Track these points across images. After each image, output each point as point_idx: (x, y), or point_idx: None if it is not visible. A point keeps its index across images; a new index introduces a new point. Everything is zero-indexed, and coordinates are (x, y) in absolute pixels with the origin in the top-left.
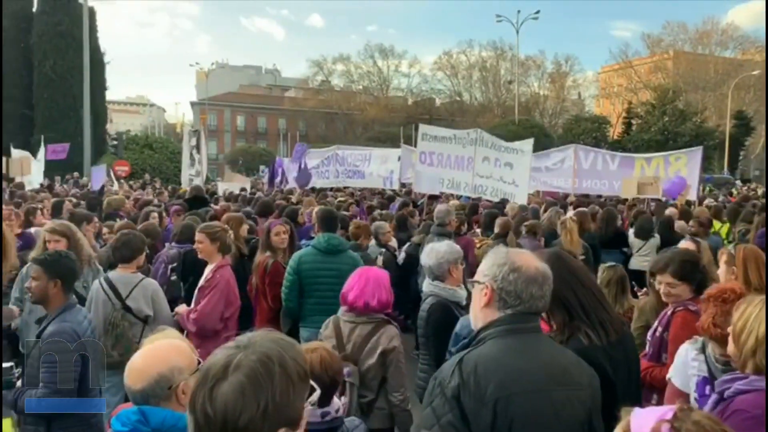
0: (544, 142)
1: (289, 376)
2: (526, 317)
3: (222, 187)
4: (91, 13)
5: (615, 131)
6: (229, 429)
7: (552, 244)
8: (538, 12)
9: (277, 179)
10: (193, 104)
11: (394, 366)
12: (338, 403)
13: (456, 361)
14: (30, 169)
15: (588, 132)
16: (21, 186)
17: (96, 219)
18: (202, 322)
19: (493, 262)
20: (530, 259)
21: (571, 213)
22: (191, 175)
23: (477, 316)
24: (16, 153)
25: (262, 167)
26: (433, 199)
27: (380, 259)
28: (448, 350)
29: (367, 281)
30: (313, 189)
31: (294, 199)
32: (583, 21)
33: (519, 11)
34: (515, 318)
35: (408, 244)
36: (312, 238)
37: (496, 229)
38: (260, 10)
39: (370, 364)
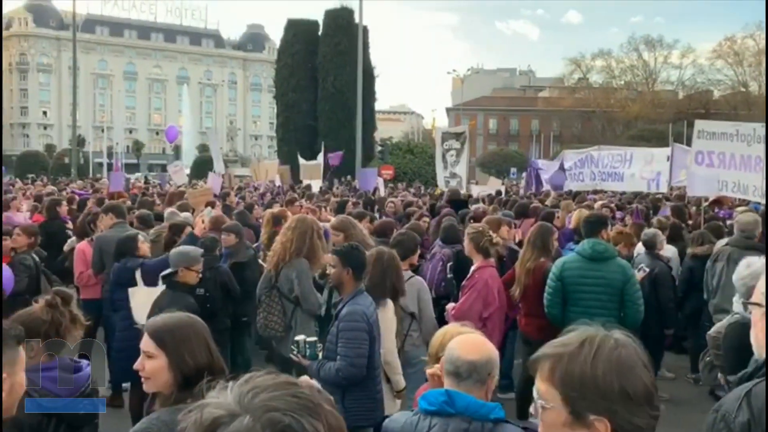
0: None
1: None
2: None
3: (476, 190)
4: (365, 32)
5: None
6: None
7: None
8: None
9: (531, 182)
10: (448, 110)
11: None
12: None
13: (743, 394)
14: (319, 175)
15: None
16: (309, 188)
17: (370, 217)
18: (459, 319)
19: None
20: None
21: None
22: (446, 177)
23: (761, 344)
24: (302, 161)
25: (513, 169)
26: (715, 204)
27: (640, 274)
28: (727, 380)
29: None
30: (569, 192)
31: (549, 202)
32: None
33: None
34: None
35: (688, 255)
36: (578, 242)
37: None
38: (515, 12)
39: None
